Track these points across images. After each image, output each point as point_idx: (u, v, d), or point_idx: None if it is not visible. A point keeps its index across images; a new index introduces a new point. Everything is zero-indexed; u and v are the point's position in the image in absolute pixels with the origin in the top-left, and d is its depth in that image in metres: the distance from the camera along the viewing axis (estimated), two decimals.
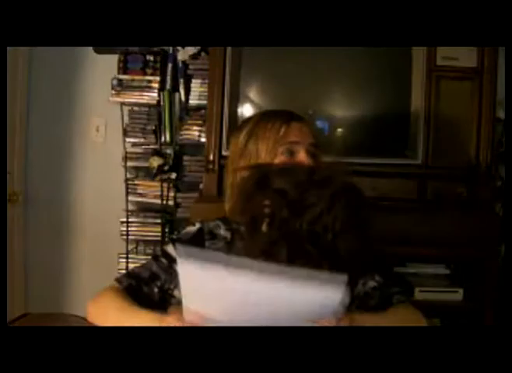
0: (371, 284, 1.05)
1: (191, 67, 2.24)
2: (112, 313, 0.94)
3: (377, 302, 1.02)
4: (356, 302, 1.04)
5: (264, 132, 1.08)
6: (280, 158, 1.05)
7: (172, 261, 1.07)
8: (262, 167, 1.00)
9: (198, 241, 1.10)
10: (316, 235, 0.87)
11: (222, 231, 1.11)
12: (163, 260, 1.08)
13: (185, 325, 0.79)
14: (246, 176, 1.00)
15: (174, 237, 1.15)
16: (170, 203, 2.27)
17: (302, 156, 1.04)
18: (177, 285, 1.05)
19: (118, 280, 1.05)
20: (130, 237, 2.30)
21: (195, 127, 2.23)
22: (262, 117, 1.12)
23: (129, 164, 2.32)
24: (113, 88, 2.26)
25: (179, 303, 1.04)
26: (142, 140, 2.30)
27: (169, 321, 0.84)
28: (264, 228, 0.90)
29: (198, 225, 1.13)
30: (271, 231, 0.88)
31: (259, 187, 0.93)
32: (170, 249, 1.09)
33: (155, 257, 1.09)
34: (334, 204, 0.88)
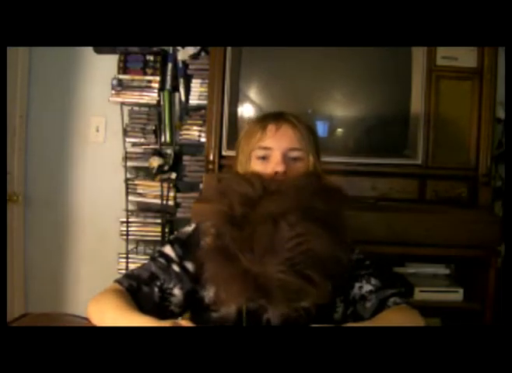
0: (367, 287, 1.06)
1: (191, 67, 2.24)
2: (109, 313, 0.95)
3: (374, 305, 1.03)
4: (351, 308, 1.05)
5: (245, 139, 1.13)
6: (255, 163, 1.09)
7: (170, 261, 1.09)
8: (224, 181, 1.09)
9: (194, 239, 1.12)
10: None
11: None
12: (161, 260, 1.09)
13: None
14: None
15: (171, 238, 1.17)
16: (170, 203, 2.27)
17: (274, 162, 1.06)
18: (175, 284, 1.06)
19: (118, 281, 1.06)
20: (130, 237, 2.30)
21: (195, 127, 2.24)
22: (250, 124, 1.16)
23: (129, 164, 2.32)
24: (113, 88, 2.26)
25: (179, 302, 1.06)
26: (142, 140, 2.30)
27: (164, 324, 0.84)
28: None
29: (193, 225, 1.16)
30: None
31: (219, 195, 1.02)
32: (167, 249, 1.11)
33: (152, 258, 1.11)
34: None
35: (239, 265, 0.92)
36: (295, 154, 1.07)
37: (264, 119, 1.12)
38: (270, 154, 1.07)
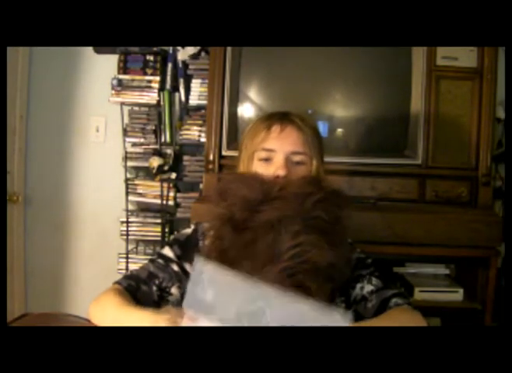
0: (369, 287, 1.05)
1: (191, 67, 2.24)
2: (109, 311, 0.96)
3: (375, 306, 1.03)
4: (354, 306, 1.05)
5: (249, 137, 1.11)
6: (257, 165, 1.07)
7: (169, 261, 1.10)
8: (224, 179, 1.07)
9: (192, 241, 1.12)
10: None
11: None
12: (160, 261, 1.10)
13: (179, 322, 0.80)
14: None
15: (170, 240, 1.17)
16: (170, 203, 2.27)
17: (276, 165, 1.05)
18: (174, 283, 1.07)
19: (117, 282, 1.07)
20: (130, 237, 2.30)
21: (195, 127, 2.24)
22: (255, 123, 1.14)
23: (129, 164, 2.32)
24: (113, 88, 2.26)
25: (176, 300, 1.06)
26: (142, 140, 2.30)
27: (163, 318, 0.85)
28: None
29: (192, 227, 1.16)
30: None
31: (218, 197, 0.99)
32: (166, 250, 1.12)
33: (151, 260, 1.12)
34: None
35: (238, 271, 0.91)
36: (298, 158, 1.06)
37: (270, 118, 1.11)
38: (273, 156, 1.06)
